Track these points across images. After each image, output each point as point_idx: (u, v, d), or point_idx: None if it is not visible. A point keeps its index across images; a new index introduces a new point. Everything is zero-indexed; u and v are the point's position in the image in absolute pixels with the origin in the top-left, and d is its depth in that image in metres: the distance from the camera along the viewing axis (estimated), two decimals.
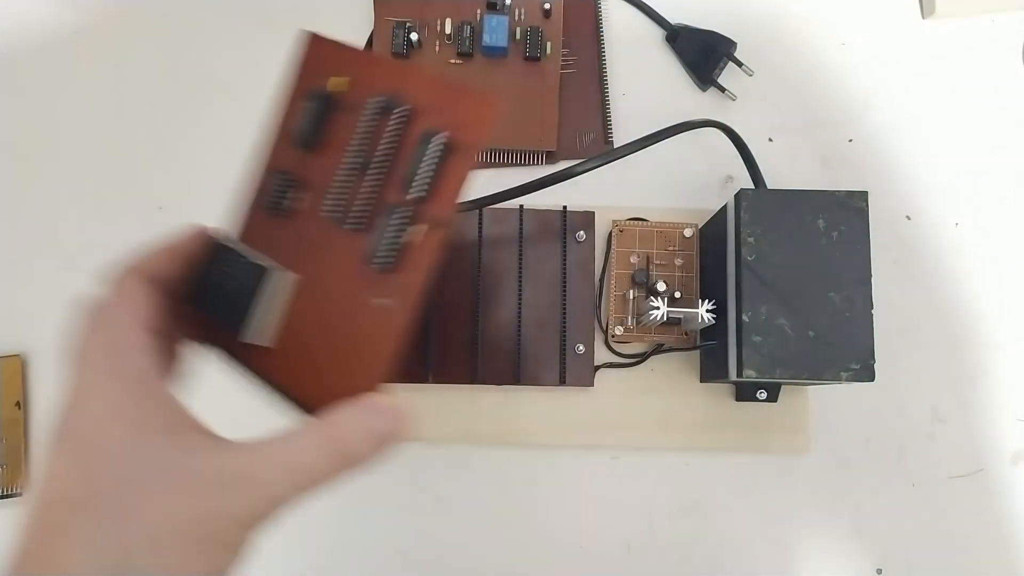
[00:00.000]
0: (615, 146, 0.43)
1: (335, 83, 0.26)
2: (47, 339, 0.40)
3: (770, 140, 0.43)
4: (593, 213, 0.41)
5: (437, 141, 0.24)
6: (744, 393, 0.38)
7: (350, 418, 0.22)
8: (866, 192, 0.34)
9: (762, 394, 0.38)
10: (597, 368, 0.40)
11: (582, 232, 0.40)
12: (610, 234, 0.41)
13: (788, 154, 0.43)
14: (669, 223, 0.40)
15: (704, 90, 0.44)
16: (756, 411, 0.39)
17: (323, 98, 0.26)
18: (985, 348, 0.41)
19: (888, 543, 0.40)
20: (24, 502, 0.21)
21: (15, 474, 0.38)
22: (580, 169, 0.36)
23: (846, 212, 0.34)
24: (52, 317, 0.40)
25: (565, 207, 0.41)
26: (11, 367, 0.40)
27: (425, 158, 0.24)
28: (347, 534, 0.39)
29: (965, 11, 0.44)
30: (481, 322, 0.39)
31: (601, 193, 0.42)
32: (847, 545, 0.40)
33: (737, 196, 0.34)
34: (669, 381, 0.40)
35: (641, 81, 0.44)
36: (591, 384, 0.39)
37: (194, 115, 0.43)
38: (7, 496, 0.38)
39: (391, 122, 0.25)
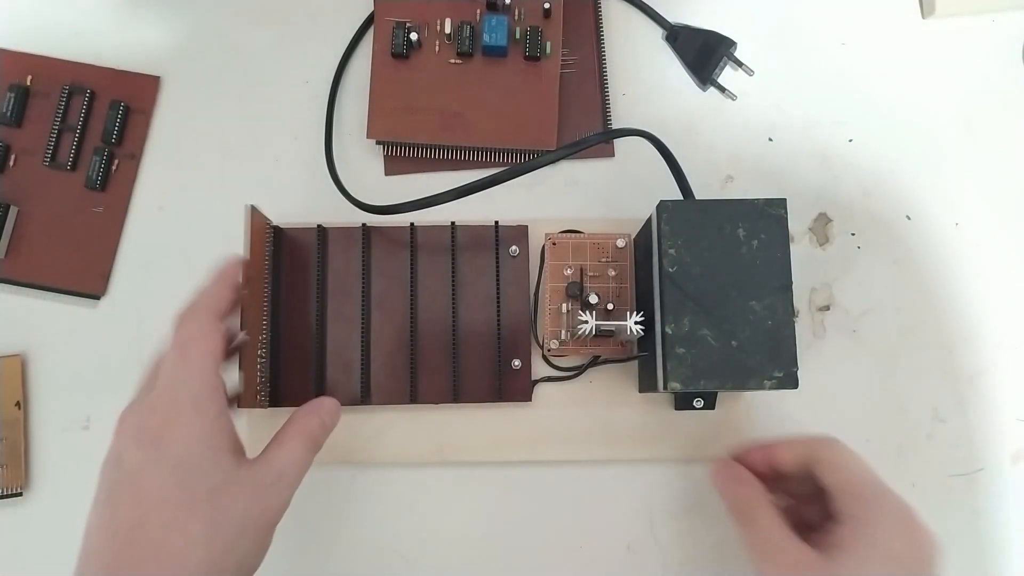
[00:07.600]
0: (614, 148, 0.43)
1: None
2: (47, 339, 0.40)
3: (770, 140, 0.43)
4: (526, 227, 0.40)
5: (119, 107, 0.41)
6: (682, 402, 0.38)
7: (306, 416, 0.32)
8: (784, 199, 0.34)
9: (699, 403, 0.38)
10: (535, 382, 0.39)
11: (515, 247, 0.40)
12: (543, 247, 0.40)
13: (788, 154, 0.43)
14: (603, 234, 0.39)
15: (704, 90, 0.44)
16: (695, 419, 0.39)
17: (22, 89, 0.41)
18: (985, 348, 0.41)
19: None
20: (109, 503, 0.27)
21: (15, 474, 0.39)
22: (503, 177, 0.36)
23: (765, 220, 0.34)
24: (52, 317, 0.41)
25: (497, 222, 0.40)
26: (11, 367, 0.40)
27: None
28: (345, 535, 0.39)
29: (965, 11, 0.44)
30: (417, 341, 0.39)
31: (539, 206, 0.42)
32: None
33: (658, 207, 0.34)
34: (608, 393, 0.39)
35: (641, 81, 0.44)
36: (529, 399, 0.39)
37: (193, 114, 0.43)
38: (7, 496, 0.38)
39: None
